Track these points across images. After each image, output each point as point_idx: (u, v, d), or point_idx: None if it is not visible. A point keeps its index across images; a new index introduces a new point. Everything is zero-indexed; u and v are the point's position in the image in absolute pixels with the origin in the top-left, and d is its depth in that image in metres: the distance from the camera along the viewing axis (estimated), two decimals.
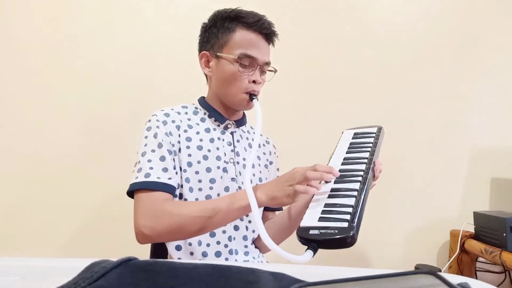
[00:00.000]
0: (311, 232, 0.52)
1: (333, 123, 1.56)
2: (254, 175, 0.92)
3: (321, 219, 0.55)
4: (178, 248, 0.81)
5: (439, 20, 1.70)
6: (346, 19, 1.66)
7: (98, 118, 1.48)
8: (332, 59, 1.64)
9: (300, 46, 1.62)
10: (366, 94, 1.65)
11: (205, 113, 0.91)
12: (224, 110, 0.91)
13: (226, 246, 0.83)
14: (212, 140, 0.87)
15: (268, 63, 0.87)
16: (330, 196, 0.61)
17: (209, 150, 0.85)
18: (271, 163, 1.00)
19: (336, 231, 0.51)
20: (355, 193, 0.59)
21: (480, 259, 1.55)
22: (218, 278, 0.34)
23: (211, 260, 0.81)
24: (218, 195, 0.83)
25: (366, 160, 0.68)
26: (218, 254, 0.82)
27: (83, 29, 1.48)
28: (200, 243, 0.81)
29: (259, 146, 0.99)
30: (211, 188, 0.83)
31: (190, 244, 0.81)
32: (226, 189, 0.85)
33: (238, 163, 0.89)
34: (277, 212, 0.98)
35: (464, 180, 1.69)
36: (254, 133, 1.00)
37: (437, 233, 1.64)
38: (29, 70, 1.45)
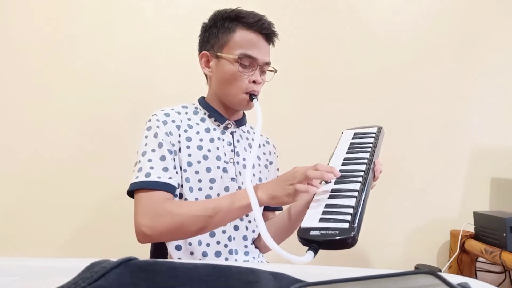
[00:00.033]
0: (312, 233, 0.52)
1: (333, 123, 1.56)
2: (254, 175, 0.92)
3: (321, 220, 0.55)
4: (178, 248, 0.81)
5: (439, 20, 1.70)
6: (346, 19, 1.66)
7: (98, 118, 1.48)
8: (332, 59, 1.64)
9: (300, 46, 1.62)
10: (366, 94, 1.65)
11: (205, 113, 0.91)
12: (224, 110, 0.91)
13: (226, 246, 0.83)
14: (212, 140, 0.87)
15: (268, 63, 0.87)
16: (330, 197, 0.61)
17: (209, 150, 0.85)
18: (271, 163, 1.00)
19: (337, 232, 0.51)
20: (356, 193, 0.59)
21: (480, 259, 1.55)
22: (218, 278, 0.34)
23: (211, 260, 0.81)
24: (218, 195, 0.83)
25: (366, 161, 0.68)
26: (218, 254, 0.82)
27: (83, 29, 1.48)
28: (200, 243, 0.81)
29: (259, 146, 0.99)
30: (211, 188, 0.83)
31: (190, 244, 0.81)
32: (226, 189, 0.85)
33: (238, 163, 0.89)
34: (277, 212, 0.98)
35: (464, 180, 1.69)
36: (254, 133, 1.00)
37: (437, 233, 1.64)
38: (29, 70, 1.45)
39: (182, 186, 0.81)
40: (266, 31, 0.85)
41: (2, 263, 0.44)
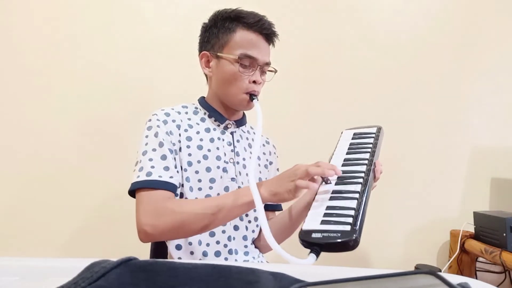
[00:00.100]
0: (314, 235, 0.52)
1: (333, 123, 1.56)
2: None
3: (323, 222, 0.55)
4: (179, 247, 0.81)
5: (439, 20, 1.70)
6: (346, 19, 1.66)
7: (98, 118, 1.48)
8: (332, 59, 1.64)
9: (300, 46, 1.62)
10: (366, 94, 1.65)
11: (205, 113, 0.91)
12: (224, 110, 0.91)
13: (225, 246, 0.83)
14: (212, 140, 0.87)
15: (268, 64, 0.87)
16: (331, 198, 0.60)
17: (209, 150, 0.85)
18: (271, 163, 1.00)
19: (339, 235, 0.51)
20: (357, 195, 0.59)
21: (480, 259, 1.55)
22: (218, 278, 0.34)
23: (211, 259, 0.81)
24: (218, 195, 0.83)
25: (366, 161, 0.68)
26: (217, 253, 0.82)
27: (83, 29, 1.48)
28: (200, 243, 0.81)
29: (259, 146, 0.99)
30: (210, 188, 0.83)
31: (190, 243, 0.81)
32: (226, 189, 0.85)
33: (238, 163, 0.89)
34: (277, 213, 0.98)
35: (464, 180, 1.69)
36: (254, 133, 1.00)
37: (437, 233, 1.64)
38: (29, 70, 1.45)
39: (182, 185, 0.81)
40: (266, 31, 0.85)
41: (2, 263, 0.44)
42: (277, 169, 1.03)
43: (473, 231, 1.53)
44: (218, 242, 0.83)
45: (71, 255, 1.43)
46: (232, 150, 0.89)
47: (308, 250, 0.51)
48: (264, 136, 1.03)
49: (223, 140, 0.89)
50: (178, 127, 0.84)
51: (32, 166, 1.43)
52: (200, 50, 0.91)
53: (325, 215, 0.56)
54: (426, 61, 1.69)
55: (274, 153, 1.03)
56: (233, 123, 0.91)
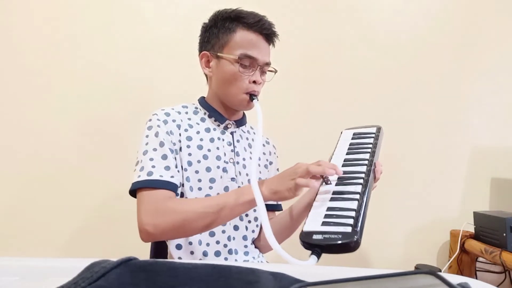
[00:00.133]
0: (315, 237, 0.52)
1: (333, 123, 1.56)
2: None
3: (324, 223, 0.55)
4: (179, 247, 0.81)
5: (439, 20, 1.70)
6: (346, 19, 1.66)
7: (98, 118, 1.48)
8: (332, 59, 1.64)
9: (300, 46, 1.62)
10: (366, 94, 1.65)
11: (205, 113, 0.91)
12: (224, 110, 0.91)
13: (225, 245, 0.83)
14: (212, 140, 0.87)
15: (268, 64, 0.87)
16: (332, 199, 0.60)
17: (209, 150, 0.85)
18: (271, 163, 1.00)
19: (340, 236, 0.51)
20: (357, 196, 0.59)
21: (480, 259, 1.55)
22: (218, 278, 0.34)
23: (211, 259, 0.81)
24: (218, 194, 0.83)
25: (366, 162, 0.68)
26: (217, 253, 0.82)
27: (83, 29, 1.48)
28: (200, 243, 0.81)
29: None
30: (210, 187, 0.83)
31: (190, 243, 0.81)
32: (226, 189, 0.85)
33: (238, 163, 0.89)
34: (277, 213, 0.98)
35: (464, 180, 1.69)
36: (254, 133, 1.00)
37: (437, 233, 1.64)
38: (29, 70, 1.45)
39: (183, 185, 0.81)
40: (266, 32, 0.85)
41: (2, 263, 0.44)
42: (277, 169, 1.03)
43: (473, 231, 1.53)
44: (218, 242, 0.83)
45: (71, 255, 1.43)
46: (232, 150, 0.89)
47: (309, 252, 0.51)
48: (264, 136, 1.03)
49: (223, 140, 0.89)
50: (178, 127, 0.84)
51: (32, 166, 1.43)
52: (200, 50, 0.91)
53: (326, 216, 0.56)
54: (426, 61, 1.69)
55: (274, 153, 1.03)
56: (233, 123, 0.91)
